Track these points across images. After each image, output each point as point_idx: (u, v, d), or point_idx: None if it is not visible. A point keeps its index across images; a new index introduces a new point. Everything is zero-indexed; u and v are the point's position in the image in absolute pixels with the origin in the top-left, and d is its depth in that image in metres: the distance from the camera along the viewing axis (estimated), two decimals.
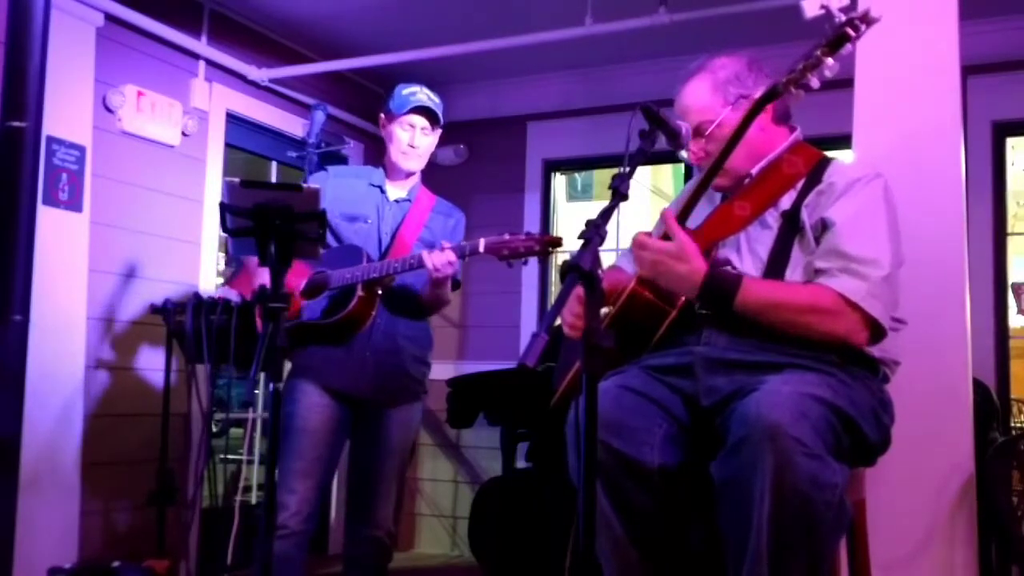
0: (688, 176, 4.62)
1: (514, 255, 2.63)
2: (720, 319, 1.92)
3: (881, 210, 1.92)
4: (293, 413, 2.77)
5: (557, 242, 2.66)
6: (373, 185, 2.98)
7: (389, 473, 2.90)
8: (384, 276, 2.74)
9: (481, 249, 2.67)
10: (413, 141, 2.91)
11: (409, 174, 3.00)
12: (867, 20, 1.78)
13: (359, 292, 2.73)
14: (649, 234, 1.97)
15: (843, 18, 1.80)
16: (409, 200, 3.00)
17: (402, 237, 2.92)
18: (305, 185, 2.28)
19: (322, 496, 2.87)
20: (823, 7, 1.82)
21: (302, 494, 2.74)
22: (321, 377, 2.82)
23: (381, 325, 2.85)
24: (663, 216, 1.93)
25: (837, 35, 1.79)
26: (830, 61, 1.80)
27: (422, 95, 2.92)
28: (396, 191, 3.00)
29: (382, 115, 2.98)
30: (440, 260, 2.65)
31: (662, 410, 1.91)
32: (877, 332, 1.86)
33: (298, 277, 2.82)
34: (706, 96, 2.05)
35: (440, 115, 2.94)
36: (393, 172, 2.99)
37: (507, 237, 2.65)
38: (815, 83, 1.82)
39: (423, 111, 2.90)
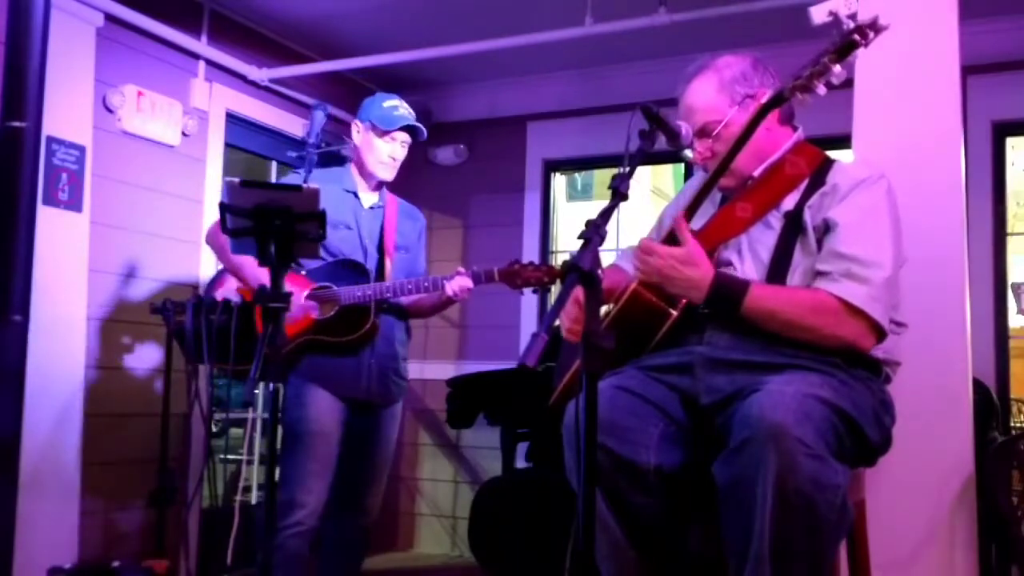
0: (688, 175, 4.62)
1: (526, 284, 2.92)
2: (722, 319, 1.92)
3: (884, 212, 1.92)
4: (306, 417, 2.87)
5: (561, 274, 2.92)
6: (347, 191, 3.05)
7: (383, 465, 3.11)
8: (395, 295, 2.91)
9: (496, 278, 2.93)
10: (395, 154, 3.02)
11: (381, 183, 3.08)
12: (876, 28, 1.76)
13: (373, 311, 2.89)
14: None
15: (851, 25, 1.77)
16: (381, 206, 3.10)
17: (387, 248, 3.04)
18: (305, 185, 2.28)
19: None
20: (831, 13, 1.80)
21: (318, 493, 2.87)
22: (331, 384, 2.92)
23: (383, 333, 2.99)
24: (675, 222, 1.94)
25: (845, 43, 1.77)
26: (837, 68, 1.78)
27: (404, 110, 3.03)
28: (368, 197, 3.08)
29: (360, 123, 3.03)
30: (460, 287, 2.89)
31: (658, 410, 1.91)
32: (880, 335, 1.87)
33: (295, 286, 2.87)
34: (712, 96, 2.04)
35: (423, 132, 3.05)
36: (367, 179, 3.07)
37: (517, 267, 2.91)
38: (822, 90, 1.81)
39: (409, 129, 3.01)
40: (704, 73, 2.07)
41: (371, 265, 2.99)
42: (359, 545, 3.11)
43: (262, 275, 2.86)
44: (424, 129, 3.05)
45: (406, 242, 3.12)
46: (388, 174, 3.04)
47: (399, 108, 3.02)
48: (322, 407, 2.89)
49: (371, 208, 3.07)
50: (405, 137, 3.02)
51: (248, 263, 2.91)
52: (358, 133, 3.04)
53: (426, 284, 2.88)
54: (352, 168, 3.09)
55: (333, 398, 2.92)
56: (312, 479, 2.85)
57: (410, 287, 2.87)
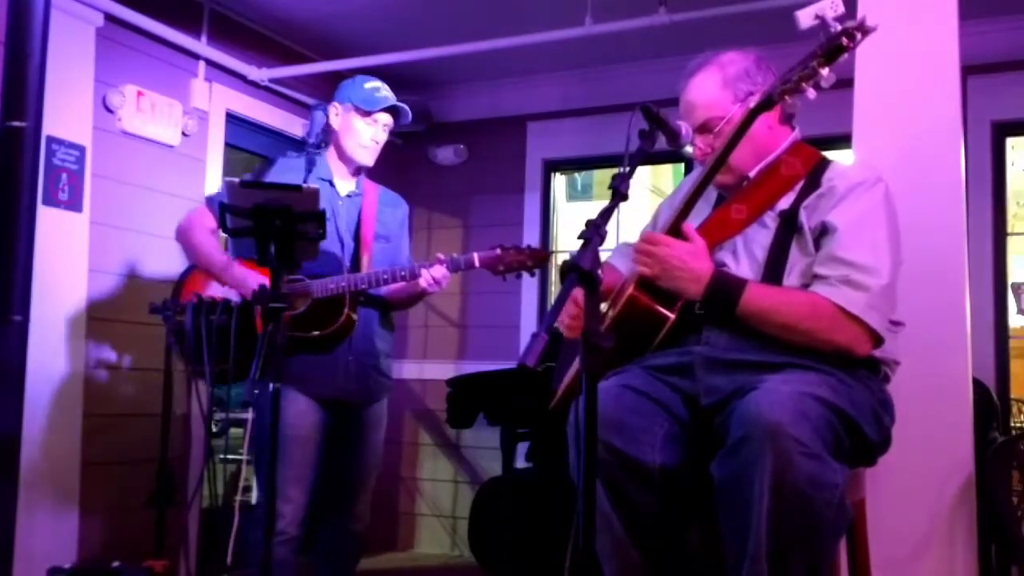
0: (688, 173, 4.62)
1: (509, 269, 2.75)
2: (719, 318, 1.92)
3: (882, 216, 1.91)
4: (281, 422, 2.66)
5: (547, 257, 2.82)
6: (322, 179, 2.88)
7: (371, 469, 3.00)
8: (371, 286, 2.76)
9: (476, 264, 2.76)
10: (377, 137, 2.91)
11: (360, 168, 2.96)
12: (863, 30, 1.74)
13: (347, 304, 2.74)
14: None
15: (838, 28, 1.75)
16: (359, 194, 2.96)
17: (365, 238, 2.90)
18: (305, 185, 2.28)
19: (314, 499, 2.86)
20: (818, 17, 1.78)
21: (297, 500, 2.76)
22: (307, 387, 2.79)
23: (360, 328, 2.84)
24: (685, 229, 1.93)
25: (832, 45, 1.75)
26: (826, 72, 1.76)
27: (386, 92, 2.92)
28: (345, 185, 2.95)
29: (339, 105, 2.89)
30: (436, 275, 2.73)
31: (663, 409, 1.91)
32: (877, 342, 1.87)
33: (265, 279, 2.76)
34: (715, 91, 2.03)
35: (407, 112, 2.93)
36: (346, 164, 2.93)
37: (499, 252, 2.75)
38: (811, 94, 1.80)
39: (392, 110, 2.90)
40: (707, 69, 2.05)
41: (347, 256, 2.85)
42: (350, 552, 3.00)
43: (219, 261, 2.78)
44: (408, 109, 2.92)
45: (387, 231, 2.98)
46: (368, 159, 2.91)
47: (381, 90, 2.91)
48: (295, 410, 2.74)
49: (348, 196, 2.93)
50: (387, 119, 2.91)
51: (208, 247, 2.81)
52: (336, 116, 2.89)
53: (403, 273, 2.73)
54: (328, 155, 2.94)
55: (309, 401, 2.79)
56: (290, 486, 2.71)
57: (386, 276, 2.72)
